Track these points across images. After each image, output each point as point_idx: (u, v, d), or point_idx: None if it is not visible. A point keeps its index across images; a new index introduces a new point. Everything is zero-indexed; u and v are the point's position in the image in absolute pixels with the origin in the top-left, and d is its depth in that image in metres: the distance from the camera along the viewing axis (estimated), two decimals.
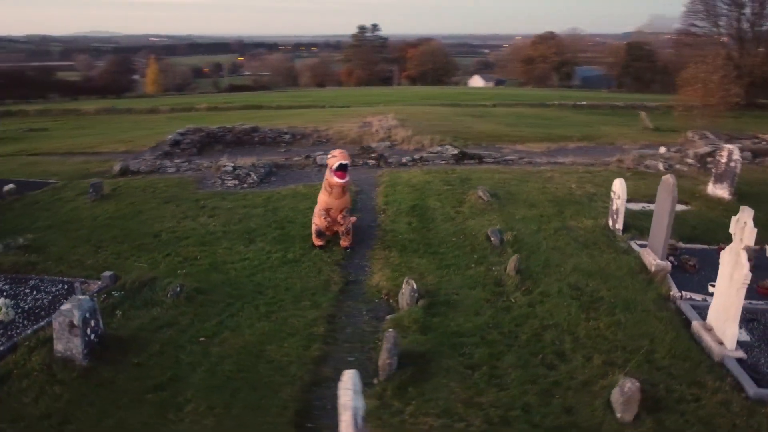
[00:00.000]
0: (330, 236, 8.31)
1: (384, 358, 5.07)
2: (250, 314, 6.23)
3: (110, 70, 70.41)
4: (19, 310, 6.23)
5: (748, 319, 6.07)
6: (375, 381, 5.05)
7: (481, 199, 9.93)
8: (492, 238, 8.19)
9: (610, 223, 8.85)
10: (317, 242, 8.15)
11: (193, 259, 7.74)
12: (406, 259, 7.76)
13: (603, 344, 5.59)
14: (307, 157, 13.47)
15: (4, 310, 5.90)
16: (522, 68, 66.16)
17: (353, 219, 8.85)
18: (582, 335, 5.76)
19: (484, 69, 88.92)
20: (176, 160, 13.52)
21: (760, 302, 6.42)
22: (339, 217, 8.05)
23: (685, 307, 6.38)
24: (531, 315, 6.17)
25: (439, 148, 13.57)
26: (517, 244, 8.08)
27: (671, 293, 6.66)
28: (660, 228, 7.32)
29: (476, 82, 76.43)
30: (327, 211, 7.99)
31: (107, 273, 6.94)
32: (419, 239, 8.43)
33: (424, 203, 10.00)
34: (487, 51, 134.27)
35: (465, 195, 10.25)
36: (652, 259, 7.34)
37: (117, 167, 13.08)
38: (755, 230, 5.25)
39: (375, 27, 78.89)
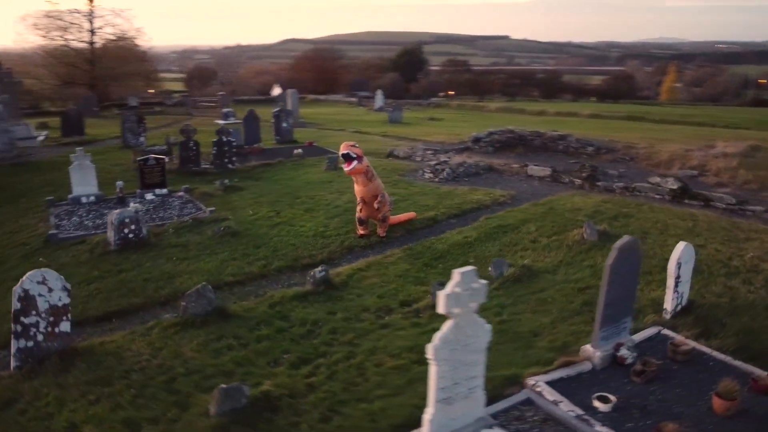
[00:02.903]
0: (371, 227, 8.98)
1: (183, 300, 6.26)
2: (220, 256, 8.03)
3: (620, 76, 70.72)
4: (155, 216, 9.80)
5: None
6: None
7: (581, 236, 8.39)
8: (490, 269, 7.33)
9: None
10: (359, 230, 8.96)
11: (278, 216, 9.81)
12: (399, 262, 7.87)
13: (350, 374, 5.18)
14: (524, 166, 13.13)
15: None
16: None
17: (412, 214, 9.19)
18: (351, 365, 5.39)
19: None
20: (450, 153, 15.28)
21: None
22: (375, 203, 8.66)
23: None
24: (369, 333, 5.95)
25: (658, 179, 11.02)
26: (513, 282, 7.04)
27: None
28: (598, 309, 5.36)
29: None
30: (362, 199, 8.73)
31: (210, 208, 9.83)
32: (445, 251, 8.19)
33: (519, 225, 9.12)
34: None
35: (576, 228, 8.78)
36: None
37: (388, 151, 15.88)
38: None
39: None
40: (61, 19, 33.05)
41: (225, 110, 27.00)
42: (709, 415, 4.56)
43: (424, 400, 4.78)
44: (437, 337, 4.05)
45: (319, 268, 7.06)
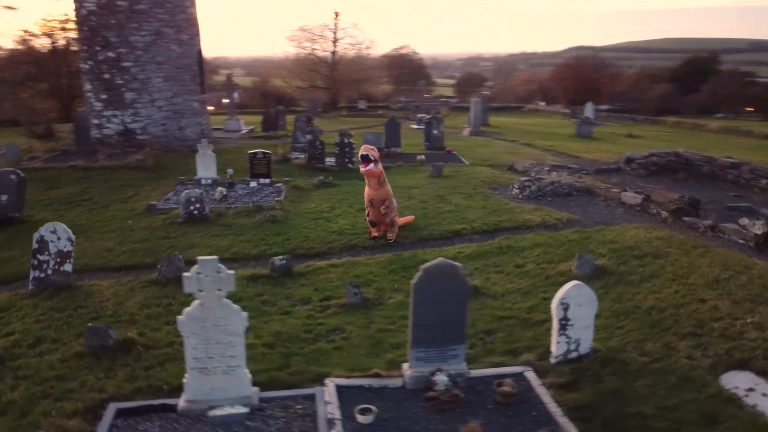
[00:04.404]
0: (384, 230, 9.46)
1: (158, 264, 7.82)
2: (242, 237, 9.46)
3: None
4: (232, 201, 11.74)
5: None
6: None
7: (569, 269, 7.74)
8: None
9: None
10: (372, 232, 9.51)
11: (330, 212, 10.88)
12: (373, 265, 8.33)
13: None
14: (624, 191, 11.79)
15: (218, 195, 11.50)
16: None
17: (411, 218, 9.41)
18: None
19: None
20: (585, 172, 14.50)
21: None
22: (381, 208, 9.14)
23: None
24: (266, 316, 6.78)
25: (747, 221, 8.95)
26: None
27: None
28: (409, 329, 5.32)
29: None
30: (370, 202, 9.22)
31: (277, 198, 11.39)
32: (422, 262, 8.32)
33: (526, 248, 8.66)
34: None
35: (573, 262, 8.05)
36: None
37: (509, 164, 15.63)
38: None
39: None
40: (311, 32, 38.68)
41: (419, 115, 28.79)
42: None
43: None
44: (184, 312, 4.81)
45: (281, 257, 8.01)
